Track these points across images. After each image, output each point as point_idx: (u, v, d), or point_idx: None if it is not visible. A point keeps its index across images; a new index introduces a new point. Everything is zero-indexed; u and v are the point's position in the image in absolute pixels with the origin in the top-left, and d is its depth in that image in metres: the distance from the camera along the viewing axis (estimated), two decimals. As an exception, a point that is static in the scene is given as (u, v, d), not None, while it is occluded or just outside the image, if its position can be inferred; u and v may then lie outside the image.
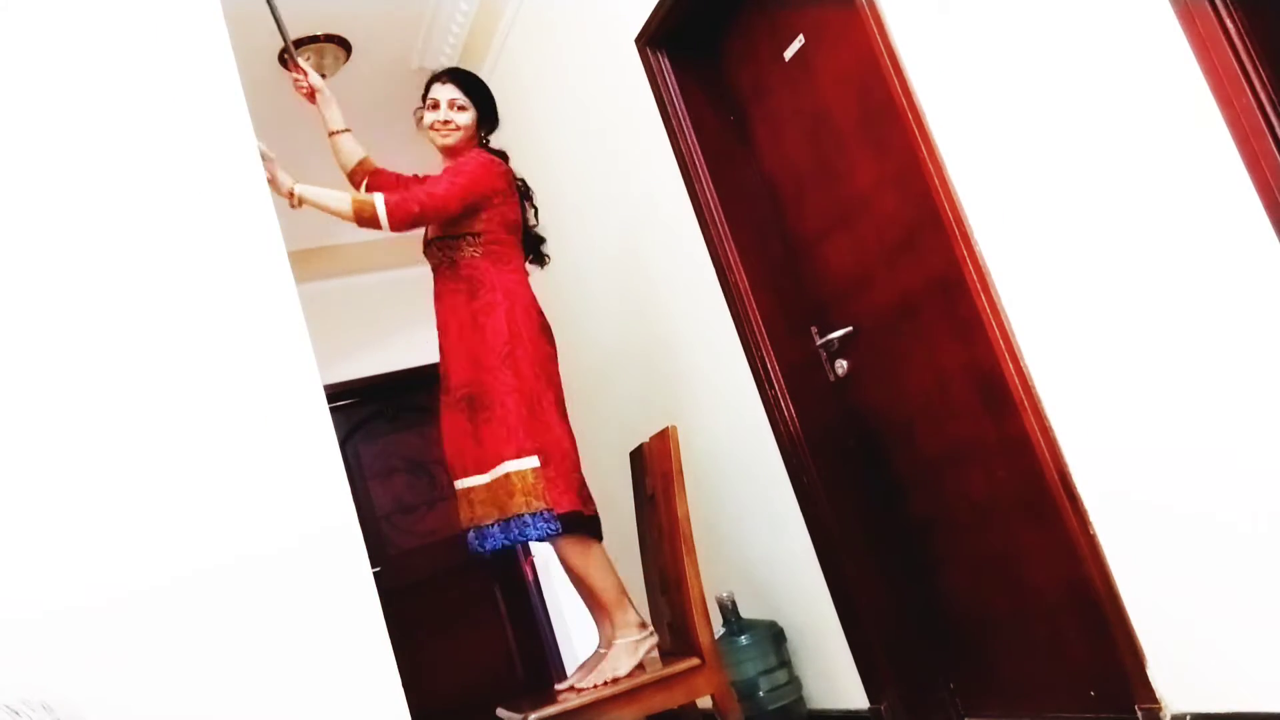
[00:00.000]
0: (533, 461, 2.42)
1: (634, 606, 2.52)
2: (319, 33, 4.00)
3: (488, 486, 2.47)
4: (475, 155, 2.67)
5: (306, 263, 4.77)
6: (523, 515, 2.41)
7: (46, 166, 1.95)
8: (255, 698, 1.78)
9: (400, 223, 2.49)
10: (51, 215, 1.93)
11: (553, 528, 2.40)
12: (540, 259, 2.88)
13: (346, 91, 4.03)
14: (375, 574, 1.97)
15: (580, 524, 2.48)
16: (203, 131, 2.05)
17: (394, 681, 1.88)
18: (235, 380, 1.93)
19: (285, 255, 2.05)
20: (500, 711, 2.47)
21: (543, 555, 5.52)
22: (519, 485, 2.41)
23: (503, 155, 2.77)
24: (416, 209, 2.49)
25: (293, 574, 1.86)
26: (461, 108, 2.72)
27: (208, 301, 1.96)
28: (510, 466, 2.42)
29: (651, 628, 2.49)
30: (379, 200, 2.48)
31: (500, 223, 2.62)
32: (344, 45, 4.13)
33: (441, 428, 2.61)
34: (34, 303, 1.87)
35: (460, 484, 2.56)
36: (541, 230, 2.87)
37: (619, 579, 2.53)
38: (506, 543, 2.47)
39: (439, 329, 2.65)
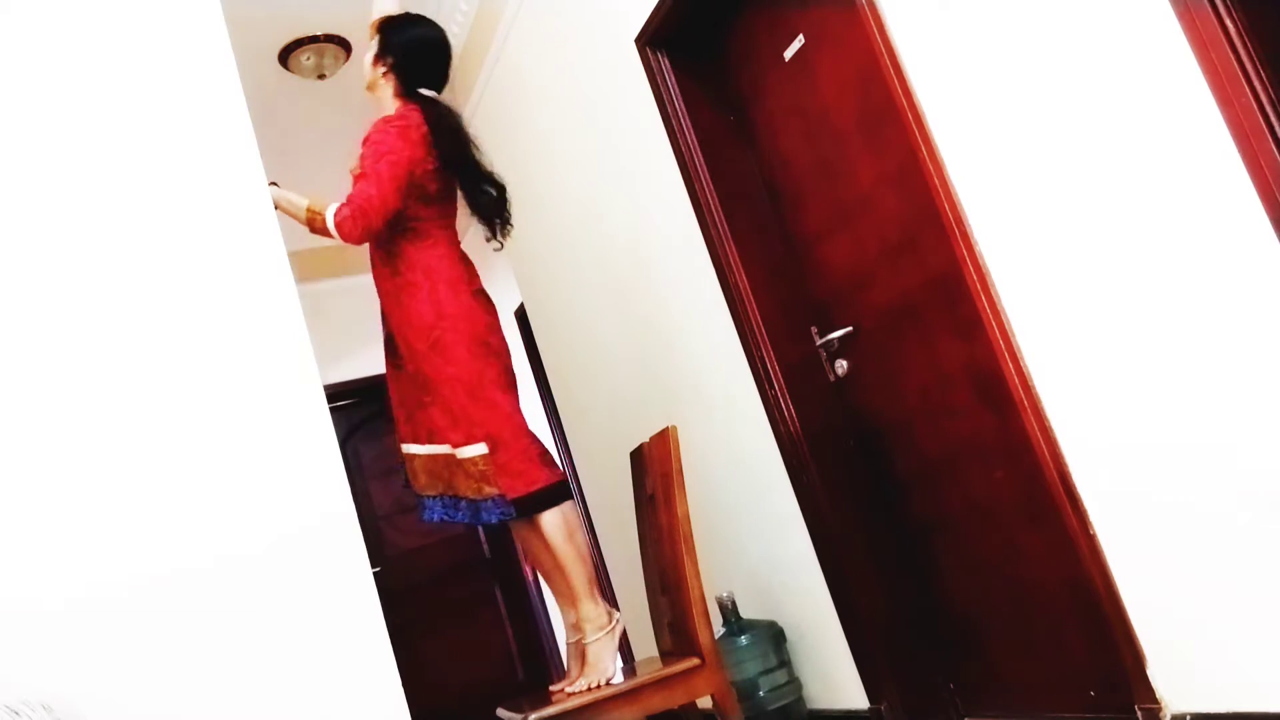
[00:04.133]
0: (480, 449, 2.36)
1: (600, 597, 2.45)
2: (319, 33, 4.01)
3: (430, 458, 2.45)
4: (385, 126, 2.42)
5: (306, 263, 4.77)
6: (475, 501, 2.37)
7: (48, 167, 1.96)
8: (255, 697, 1.79)
9: (350, 238, 2.33)
10: (53, 216, 1.94)
11: (506, 512, 2.36)
12: (501, 221, 2.60)
13: (346, 91, 4.03)
14: (375, 574, 1.97)
15: (558, 493, 2.42)
16: (203, 132, 2.06)
17: (394, 681, 1.88)
18: (236, 379, 1.94)
19: (285, 255, 2.05)
20: (500, 711, 2.46)
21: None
22: (469, 470, 2.36)
23: (427, 100, 2.51)
24: (362, 223, 2.30)
25: (292, 573, 1.87)
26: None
27: (209, 302, 1.97)
28: (458, 453, 2.37)
29: (616, 614, 2.45)
30: (329, 214, 2.34)
31: (416, 197, 2.42)
32: (344, 45, 4.13)
33: (389, 387, 2.56)
34: (36, 303, 1.88)
35: (405, 448, 2.53)
36: (511, 200, 2.62)
37: (590, 565, 2.47)
38: (447, 519, 2.45)
39: (378, 294, 2.54)
